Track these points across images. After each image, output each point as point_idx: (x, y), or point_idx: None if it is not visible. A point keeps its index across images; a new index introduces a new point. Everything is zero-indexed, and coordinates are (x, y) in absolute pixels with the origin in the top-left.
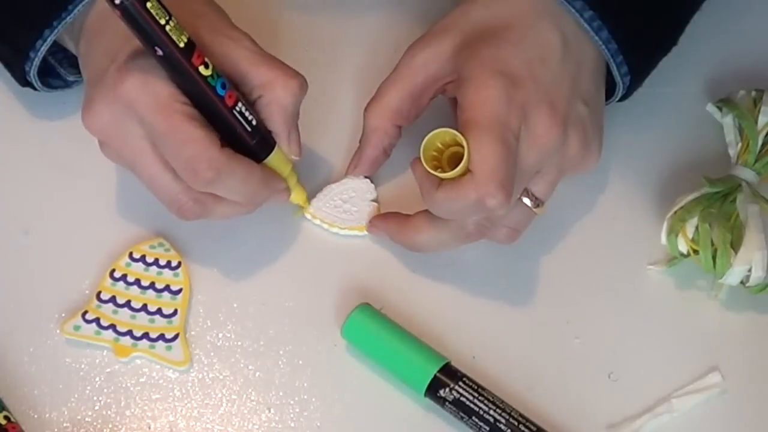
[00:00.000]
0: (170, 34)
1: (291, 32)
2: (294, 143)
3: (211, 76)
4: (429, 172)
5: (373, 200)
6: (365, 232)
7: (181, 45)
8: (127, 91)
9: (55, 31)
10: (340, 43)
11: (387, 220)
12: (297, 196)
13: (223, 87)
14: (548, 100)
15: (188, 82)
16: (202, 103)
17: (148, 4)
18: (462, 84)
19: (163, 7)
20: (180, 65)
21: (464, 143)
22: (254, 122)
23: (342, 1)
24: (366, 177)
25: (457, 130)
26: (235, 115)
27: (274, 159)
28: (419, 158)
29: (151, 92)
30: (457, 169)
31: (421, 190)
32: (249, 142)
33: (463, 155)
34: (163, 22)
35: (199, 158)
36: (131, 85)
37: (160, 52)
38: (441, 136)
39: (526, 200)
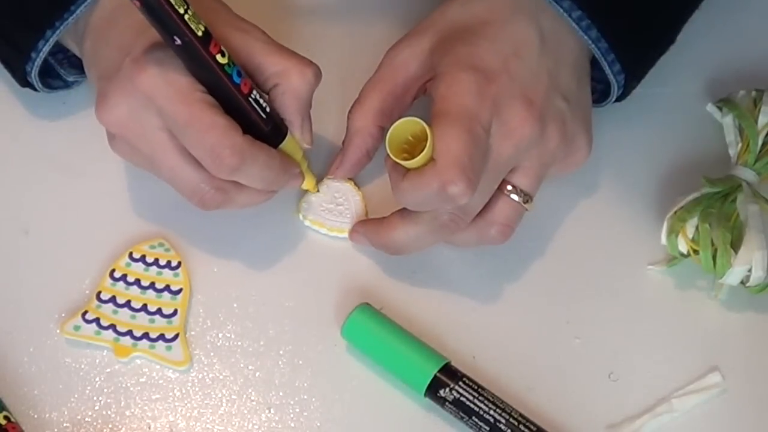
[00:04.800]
0: (189, 23)
1: (288, 35)
2: (306, 131)
3: (228, 64)
4: (395, 163)
5: (360, 200)
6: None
7: (200, 34)
8: (146, 83)
9: (57, 31)
10: (333, 46)
11: (365, 224)
12: (308, 182)
13: (239, 75)
14: (523, 93)
15: (206, 70)
16: (219, 91)
17: None
18: (436, 79)
19: None
20: (198, 54)
21: (428, 131)
22: (268, 110)
23: (336, 4)
24: (350, 179)
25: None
26: (250, 102)
27: (286, 146)
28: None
29: (170, 82)
30: (420, 156)
31: (390, 182)
32: (264, 129)
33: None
34: (182, 11)
35: (222, 145)
36: (149, 76)
37: (178, 42)
38: (410, 126)
39: (514, 196)
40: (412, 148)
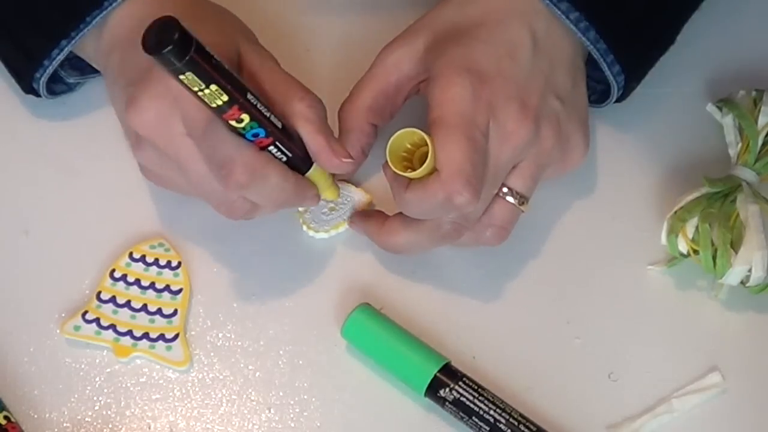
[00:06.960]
0: (203, 98)
1: (284, 29)
2: (340, 154)
3: (243, 127)
4: (396, 174)
5: (348, 184)
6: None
7: (213, 106)
8: (175, 84)
9: (73, 42)
10: (329, 41)
11: (367, 219)
12: (331, 194)
13: (254, 135)
14: (518, 95)
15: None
16: None
17: (181, 77)
18: (431, 82)
19: (204, 76)
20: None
21: (429, 142)
22: (290, 154)
23: (334, 4)
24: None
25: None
26: (270, 152)
27: (312, 174)
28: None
29: None
30: (422, 168)
31: (392, 192)
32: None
33: None
34: (196, 89)
35: (234, 160)
36: None
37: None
38: (408, 136)
39: (510, 198)
40: (410, 155)
